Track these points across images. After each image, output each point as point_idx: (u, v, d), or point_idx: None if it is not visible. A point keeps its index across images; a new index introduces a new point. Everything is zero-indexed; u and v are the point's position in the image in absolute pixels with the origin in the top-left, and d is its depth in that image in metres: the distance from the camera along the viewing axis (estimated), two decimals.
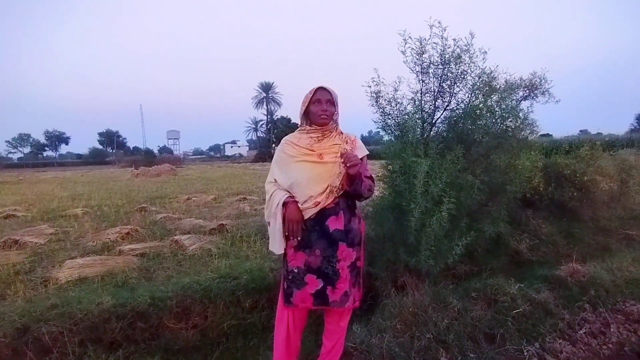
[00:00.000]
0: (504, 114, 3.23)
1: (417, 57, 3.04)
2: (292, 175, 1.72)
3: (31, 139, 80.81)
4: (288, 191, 1.72)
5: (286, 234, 1.69)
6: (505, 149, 3.16)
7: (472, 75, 3.06)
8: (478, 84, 3.12)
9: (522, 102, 4.16)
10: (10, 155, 78.84)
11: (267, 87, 62.98)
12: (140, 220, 6.23)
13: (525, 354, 2.04)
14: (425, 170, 2.30)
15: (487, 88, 3.15)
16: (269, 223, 1.76)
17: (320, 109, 1.72)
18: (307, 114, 1.78)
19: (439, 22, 2.89)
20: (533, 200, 4.40)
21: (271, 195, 1.74)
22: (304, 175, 1.69)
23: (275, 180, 1.79)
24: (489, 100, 3.15)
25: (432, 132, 3.13)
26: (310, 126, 1.78)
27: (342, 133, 1.82)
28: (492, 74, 3.37)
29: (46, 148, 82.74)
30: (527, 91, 4.30)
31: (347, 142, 1.78)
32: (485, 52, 3.02)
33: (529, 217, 4.19)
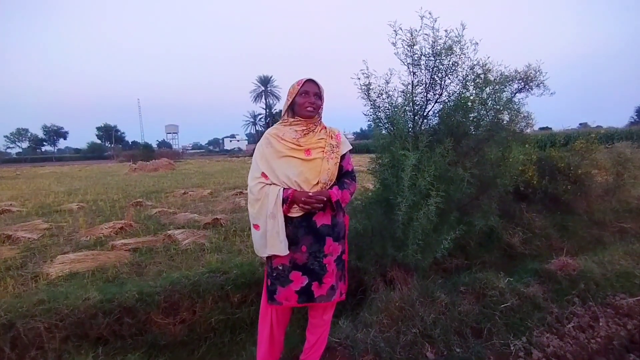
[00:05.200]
0: (497, 107, 3.20)
1: (408, 48, 2.99)
2: (280, 172, 1.66)
3: (29, 134, 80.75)
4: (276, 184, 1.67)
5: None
6: (498, 141, 3.12)
7: (464, 66, 3.02)
8: (470, 75, 3.08)
9: (517, 94, 4.13)
10: (9, 150, 78.82)
11: (265, 81, 62.64)
12: (135, 215, 6.22)
13: (512, 348, 2.02)
14: (413, 163, 2.27)
15: (480, 80, 3.11)
16: (255, 226, 1.68)
17: (308, 101, 1.68)
18: (292, 106, 1.73)
19: (430, 13, 2.84)
20: (527, 194, 4.38)
21: (260, 192, 1.64)
22: (293, 172, 1.65)
23: (262, 174, 1.69)
24: (483, 93, 3.11)
25: (423, 125, 3.10)
26: (294, 118, 1.73)
27: (325, 127, 1.79)
28: (485, 66, 3.33)
29: (44, 143, 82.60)
30: (522, 83, 4.26)
31: (331, 137, 1.75)
32: (477, 44, 2.97)
33: (523, 210, 4.18)
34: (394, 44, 2.96)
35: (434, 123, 3.14)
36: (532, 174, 4.26)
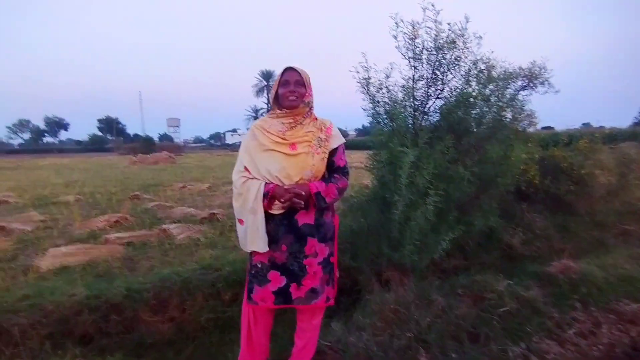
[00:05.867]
0: (499, 104, 3.11)
1: (410, 42, 2.89)
2: (262, 167, 1.58)
3: (31, 125, 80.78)
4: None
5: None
6: (500, 140, 3.04)
7: (467, 61, 2.93)
8: (473, 71, 2.99)
9: (521, 92, 4.03)
10: (10, 141, 78.88)
11: (267, 76, 62.54)
12: (131, 208, 6.16)
13: (510, 354, 1.94)
14: (411, 160, 2.19)
15: (483, 76, 3.02)
16: (240, 221, 1.62)
17: (288, 90, 1.59)
18: (277, 98, 1.64)
19: (433, 5, 2.75)
20: (528, 194, 4.29)
21: (243, 186, 1.58)
22: (275, 167, 1.56)
23: (245, 169, 1.62)
24: (486, 89, 3.03)
25: (423, 121, 3.01)
26: (280, 110, 1.64)
27: (316, 119, 1.69)
28: (489, 62, 3.24)
29: (45, 134, 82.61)
30: (526, 81, 4.16)
31: (321, 130, 1.65)
32: (480, 37, 2.88)
33: (523, 210, 4.08)
34: (395, 37, 2.87)
35: (434, 119, 3.06)
36: (534, 174, 4.17)
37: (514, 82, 3.93)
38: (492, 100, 3.08)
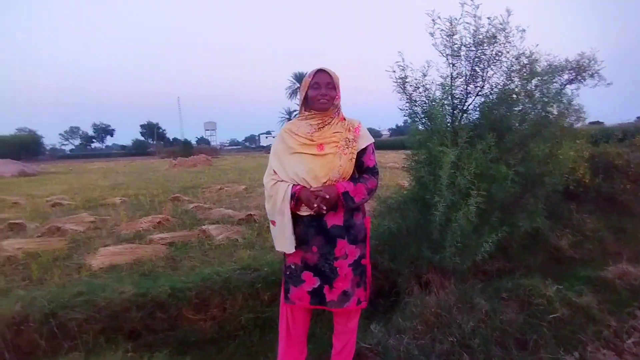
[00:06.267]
0: (544, 99, 2.95)
1: (447, 38, 2.82)
2: (290, 169, 1.59)
3: (80, 132, 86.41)
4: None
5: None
6: (545, 137, 2.88)
7: (508, 56, 2.81)
8: (515, 66, 2.86)
9: (567, 85, 3.81)
10: (63, 147, 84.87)
11: (300, 78, 63.11)
12: (172, 209, 6.41)
13: None
14: (452, 160, 2.12)
15: (526, 70, 2.89)
16: (272, 222, 1.65)
17: (319, 93, 1.58)
18: (306, 100, 1.64)
19: (472, 0, 2.66)
20: (577, 193, 4.03)
21: (272, 188, 1.61)
22: (302, 169, 1.57)
23: (274, 172, 1.65)
24: (529, 84, 2.89)
25: (462, 120, 2.91)
26: (309, 112, 1.64)
27: (344, 119, 1.68)
28: (532, 56, 3.09)
29: (94, 140, 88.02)
30: (574, 74, 3.93)
31: (349, 130, 1.63)
32: (524, 31, 2.75)
33: (572, 211, 3.85)
34: (432, 34, 2.80)
35: (474, 117, 2.95)
36: (584, 172, 3.92)
37: (559, 75, 3.73)
38: (536, 96, 2.94)
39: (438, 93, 2.86)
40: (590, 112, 3.59)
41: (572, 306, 2.20)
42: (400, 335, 2.02)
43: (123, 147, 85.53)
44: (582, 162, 3.89)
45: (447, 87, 2.84)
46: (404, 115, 3.03)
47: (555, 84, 3.20)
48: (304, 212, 1.58)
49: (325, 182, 1.56)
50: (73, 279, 3.22)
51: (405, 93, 2.91)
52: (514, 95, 2.82)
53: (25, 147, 48.56)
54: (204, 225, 4.98)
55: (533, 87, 2.93)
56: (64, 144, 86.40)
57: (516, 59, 2.87)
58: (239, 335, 2.47)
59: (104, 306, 2.40)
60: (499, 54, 2.80)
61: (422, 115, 2.85)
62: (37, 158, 48.80)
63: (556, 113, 3.20)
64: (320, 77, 1.60)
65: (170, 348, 2.28)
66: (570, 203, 3.97)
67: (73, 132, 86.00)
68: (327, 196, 1.50)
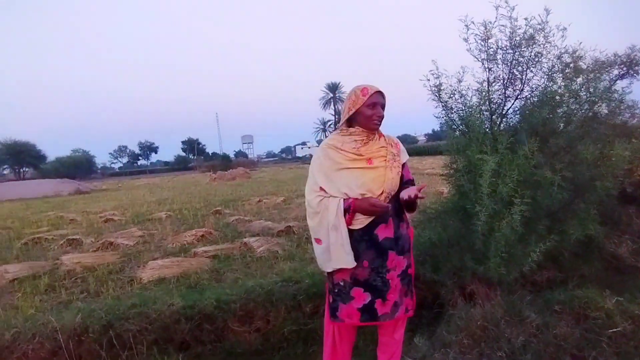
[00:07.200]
0: (592, 98, 2.80)
1: (482, 43, 2.76)
2: (341, 184, 1.58)
3: (128, 150, 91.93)
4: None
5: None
6: (594, 138, 2.72)
7: (549, 56, 2.70)
8: (557, 65, 2.74)
9: (618, 81, 3.58)
10: (112, 165, 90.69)
11: (334, 88, 63.77)
12: (214, 222, 6.64)
13: None
14: (492, 167, 2.06)
15: (569, 70, 2.76)
16: (317, 240, 1.63)
17: (376, 114, 1.60)
18: (353, 115, 1.64)
19: (507, 1, 2.59)
20: (635, 196, 3.75)
21: (320, 204, 1.59)
22: (355, 183, 1.56)
23: (320, 189, 1.63)
24: (573, 84, 2.75)
25: (502, 125, 2.82)
26: (353, 128, 1.65)
27: (383, 135, 1.70)
28: (575, 54, 2.95)
29: (140, 157, 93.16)
30: (625, 68, 3.69)
31: (391, 145, 1.67)
32: (565, 29, 2.63)
33: (631, 215, 3.58)
34: (466, 40, 2.75)
35: (514, 122, 2.85)
36: None
37: (608, 72, 3.52)
38: (582, 95, 2.79)
39: (475, 99, 2.79)
40: None
41: (634, 320, 2.04)
42: (446, 349, 1.97)
43: (166, 163, 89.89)
44: (639, 163, 3.62)
45: (484, 92, 2.77)
46: (440, 123, 2.99)
47: (603, 81, 3.03)
48: (357, 225, 1.58)
49: (380, 195, 1.57)
50: (126, 291, 3.42)
51: (441, 100, 2.87)
52: (557, 97, 2.69)
53: (79, 167, 52.42)
54: (245, 237, 5.12)
55: (578, 86, 2.79)
56: (113, 162, 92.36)
57: (558, 59, 2.75)
58: (283, 348, 2.51)
59: (155, 318, 2.52)
60: (539, 54, 2.69)
61: (459, 122, 2.79)
62: (90, 176, 52.44)
63: (606, 111, 3.02)
64: (378, 98, 1.61)
65: (219, 359, 2.36)
66: (629, 207, 3.69)
67: (121, 150, 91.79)
68: (387, 206, 1.53)
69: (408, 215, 1.76)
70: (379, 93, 1.61)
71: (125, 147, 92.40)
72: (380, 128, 1.69)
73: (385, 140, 1.68)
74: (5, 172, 52.25)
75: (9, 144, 48.56)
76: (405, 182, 1.69)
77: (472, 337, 2.01)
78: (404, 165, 1.70)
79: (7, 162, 50.45)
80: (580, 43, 2.79)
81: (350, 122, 1.66)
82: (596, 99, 2.82)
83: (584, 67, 2.91)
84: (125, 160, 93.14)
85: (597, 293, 2.24)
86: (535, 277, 2.75)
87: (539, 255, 2.14)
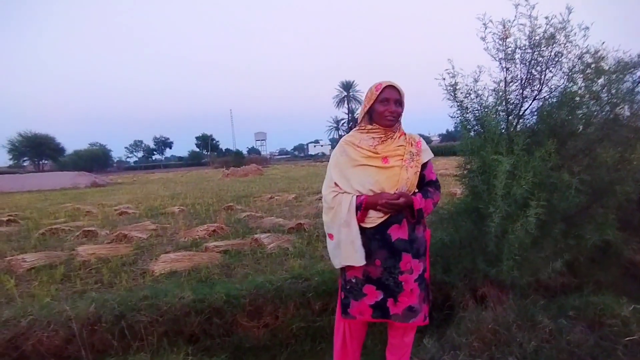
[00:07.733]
0: (613, 100, 2.72)
1: (500, 42, 2.71)
2: (355, 181, 1.57)
3: (143, 145, 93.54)
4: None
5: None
6: (615, 141, 2.65)
7: (570, 56, 2.64)
8: (578, 66, 2.67)
9: None
10: (128, 159, 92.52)
11: (347, 86, 63.63)
12: (226, 218, 6.69)
13: None
14: (507, 169, 2.02)
15: (590, 70, 2.68)
16: (330, 235, 1.63)
17: (388, 109, 1.56)
18: (369, 112, 1.63)
19: (527, 0, 2.54)
20: None
21: (334, 200, 1.58)
22: (369, 181, 1.55)
23: (335, 184, 1.63)
24: (594, 85, 2.68)
25: (518, 126, 2.77)
26: (372, 125, 1.63)
27: (404, 134, 1.67)
28: (597, 54, 2.86)
29: (154, 152, 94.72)
30: None
31: (411, 144, 1.62)
32: (587, 28, 2.56)
33: None
34: (484, 39, 2.71)
35: (531, 123, 2.80)
36: None
37: (631, 73, 3.42)
38: (604, 97, 2.72)
39: (491, 99, 2.75)
40: None
41: None
42: (456, 351, 1.94)
43: (180, 158, 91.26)
44: None
45: (500, 92, 2.72)
46: (455, 124, 2.95)
47: (626, 82, 2.94)
48: (369, 224, 1.57)
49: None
50: (138, 283, 3.48)
51: (456, 100, 2.82)
52: (577, 98, 2.62)
53: (96, 160, 53.63)
54: (255, 234, 5.15)
55: (599, 87, 2.72)
56: (129, 156, 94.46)
57: (579, 59, 2.68)
58: (291, 344, 2.52)
59: (166, 310, 2.56)
60: (559, 54, 2.63)
61: (475, 123, 2.75)
62: (106, 170, 53.54)
63: (628, 114, 2.93)
64: (389, 93, 1.57)
65: (227, 353, 2.38)
66: None
67: (137, 145, 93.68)
68: (400, 200, 1.49)
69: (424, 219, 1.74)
70: (391, 87, 1.57)
71: (141, 141, 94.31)
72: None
73: (405, 138, 1.64)
74: (25, 164, 53.78)
75: (29, 136, 49.98)
76: (426, 183, 1.67)
77: (482, 340, 1.98)
78: (426, 164, 1.66)
79: (27, 154, 51.95)
80: (603, 43, 2.71)
81: (371, 120, 1.64)
82: (618, 101, 2.73)
83: (606, 67, 2.82)
84: (140, 154, 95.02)
85: (614, 300, 2.19)
86: (548, 282, 2.70)
87: (557, 260, 2.10)
